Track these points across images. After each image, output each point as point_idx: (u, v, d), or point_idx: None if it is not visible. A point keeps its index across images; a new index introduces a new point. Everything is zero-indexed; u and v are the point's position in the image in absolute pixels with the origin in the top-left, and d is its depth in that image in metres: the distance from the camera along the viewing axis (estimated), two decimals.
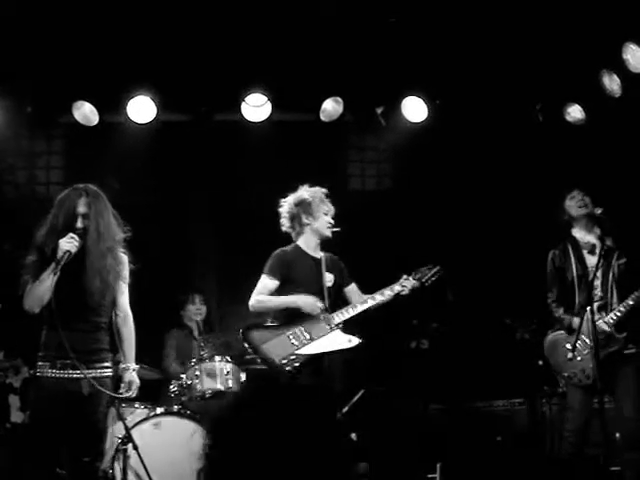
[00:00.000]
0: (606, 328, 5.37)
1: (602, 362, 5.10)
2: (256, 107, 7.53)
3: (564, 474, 5.56)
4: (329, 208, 5.75)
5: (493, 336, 7.62)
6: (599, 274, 5.45)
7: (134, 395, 4.85)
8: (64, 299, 4.52)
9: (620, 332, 5.39)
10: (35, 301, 4.50)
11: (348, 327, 5.49)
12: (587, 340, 5.36)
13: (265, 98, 7.49)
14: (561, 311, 5.60)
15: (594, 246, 5.57)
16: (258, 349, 5.37)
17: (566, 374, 5.51)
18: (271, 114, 7.61)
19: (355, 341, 5.42)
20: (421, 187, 8.36)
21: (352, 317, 5.51)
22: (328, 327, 5.43)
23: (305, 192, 5.76)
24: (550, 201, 7.76)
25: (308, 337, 5.37)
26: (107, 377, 4.68)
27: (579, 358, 5.37)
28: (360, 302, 5.57)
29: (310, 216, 5.69)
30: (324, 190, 5.79)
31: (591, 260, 5.54)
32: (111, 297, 4.73)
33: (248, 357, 6.29)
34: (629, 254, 5.54)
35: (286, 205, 5.77)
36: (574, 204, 5.70)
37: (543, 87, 7.60)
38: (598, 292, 5.49)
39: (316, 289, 5.55)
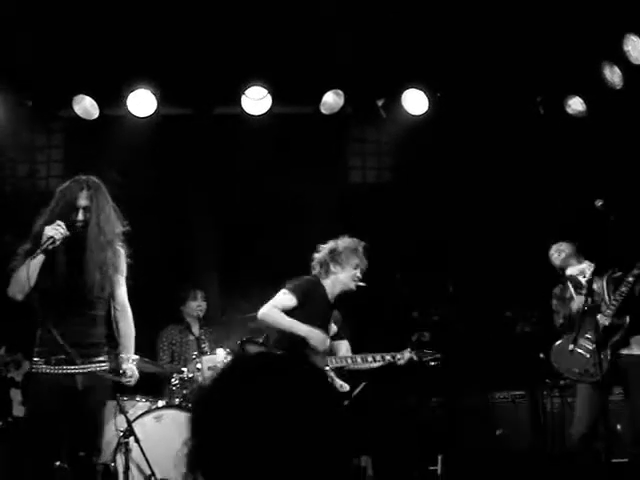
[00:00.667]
0: (606, 322, 5.41)
1: (612, 354, 5.21)
2: (256, 100, 7.51)
3: (565, 467, 5.58)
4: (360, 262, 5.78)
5: (494, 329, 7.63)
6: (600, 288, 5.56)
7: (132, 383, 4.84)
8: (62, 292, 4.52)
9: (620, 318, 5.44)
10: (17, 287, 4.49)
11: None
12: (588, 345, 5.48)
13: (265, 91, 7.46)
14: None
15: (584, 284, 5.62)
16: None
17: (577, 370, 5.58)
18: (271, 107, 7.59)
19: (345, 388, 5.60)
20: (422, 180, 8.35)
21: (346, 366, 5.69)
22: (325, 367, 5.53)
23: (340, 242, 5.80)
24: (551, 194, 7.79)
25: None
26: (104, 372, 4.68)
27: (588, 355, 5.44)
28: (360, 356, 5.70)
29: (338, 265, 5.74)
30: (362, 243, 5.82)
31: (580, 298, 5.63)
32: (109, 290, 4.73)
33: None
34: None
35: (322, 251, 5.83)
36: (553, 259, 6.00)
37: (544, 79, 7.58)
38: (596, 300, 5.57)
39: (323, 330, 5.63)
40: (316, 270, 5.80)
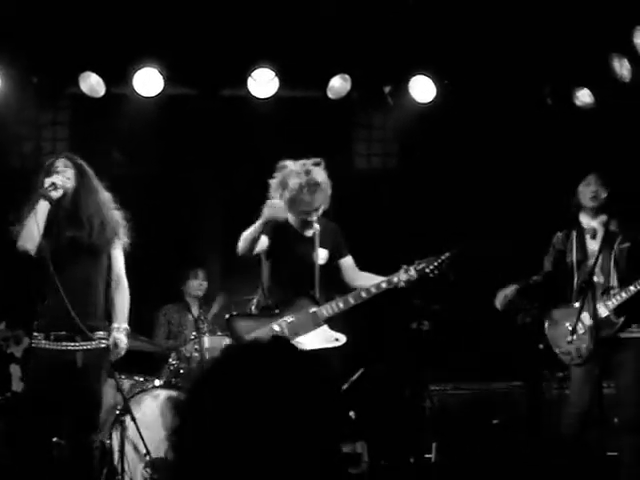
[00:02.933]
0: (605, 312, 5.36)
1: (598, 345, 5.12)
2: (263, 83, 7.49)
3: (560, 458, 5.57)
4: (310, 206, 5.18)
5: (494, 318, 7.61)
6: (600, 258, 5.42)
7: (122, 354, 4.81)
8: (57, 257, 4.51)
9: (618, 316, 5.37)
10: (27, 236, 4.47)
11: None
12: (586, 320, 5.34)
13: (272, 74, 7.44)
14: (534, 277, 5.71)
15: (595, 230, 5.54)
16: (241, 339, 5.02)
17: (559, 351, 5.54)
18: (278, 90, 7.57)
19: (342, 340, 5.11)
20: (427, 167, 8.33)
21: (341, 312, 5.15)
22: (315, 322, 5.08)
23: (290, 178, 5.28)
24: (557, 184, 7.75)
25: (293, 332, 5.04)
26: (104, 348, 4.68)
27: (575, 337, 5.34)
28: (352, 295, 5.15)
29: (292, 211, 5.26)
30: (309, 180, 5.22)
31: (593, 245, 5.52)
32: (105, 257, 4.72)
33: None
34: (635, 240, 5.51)
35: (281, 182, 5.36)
36: (587, 193, 5.55)
37: (552, 70, 7.55)
38: (599, 277, 5.46)
39: (305, 269, 5.14)
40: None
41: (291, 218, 5.28)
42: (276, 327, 5.07)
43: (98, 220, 4.63)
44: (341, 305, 5.13)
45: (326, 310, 5.11)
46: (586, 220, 5.64)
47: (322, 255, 5.24)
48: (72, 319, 4.47)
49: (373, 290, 5.16)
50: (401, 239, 8.11)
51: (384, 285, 5.19)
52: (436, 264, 5.33)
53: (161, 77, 7.36)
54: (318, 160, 5.34)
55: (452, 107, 7.87)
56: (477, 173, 8.14)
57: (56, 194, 4.48)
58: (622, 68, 7.00)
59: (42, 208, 4.45)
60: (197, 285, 7.44)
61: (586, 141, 7.54)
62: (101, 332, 4.69)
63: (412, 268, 5.25)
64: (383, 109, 8.33)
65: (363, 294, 5.14)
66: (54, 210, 4.53)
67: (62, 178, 4.51)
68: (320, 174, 5.25)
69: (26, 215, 4.51)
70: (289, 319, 5.10)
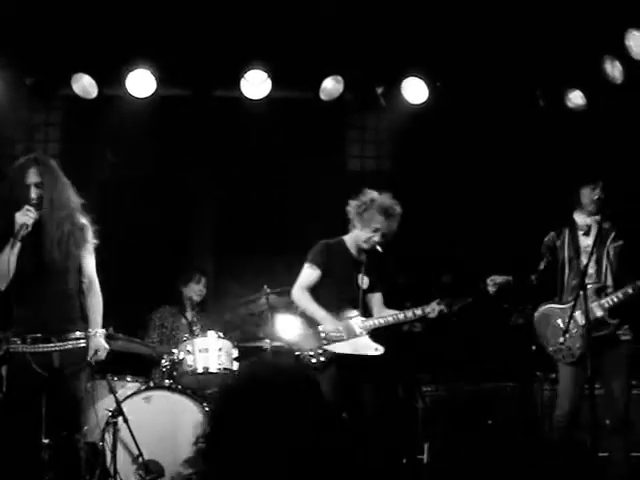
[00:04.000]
0: (599, 312, 5.34)
1: (591, 344, 5.11)
2: (256, 84, 7.49)
3: (551, 459, 5.58)
4: (383, 226, 5.71)
5: (487, 319, 7.63)
6: (593, 257, 5.41)
7: (102, 357, 4.81)
8: (27, 271, 4.53)
9: (613, 318, 5.36)
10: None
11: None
12: (579, 319, 5.33)
13: (265, 75, 7.44)
14: (533, 276, 5.71)
15: (589, 227, 5.53)
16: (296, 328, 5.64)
17: (551, 349, 5.53)
18: (271, 91, 7.57)
19: (380, 350, 5.61)
20: (420, 169, 8.34)
21: (380, 327, 5.68)
22: (360, 330, 5.60)
23: (377, 197, 5.76)
24: (549, 185, 7.78)
25: (340, 335, 5.55)
26: (82, 348, 4.68)
27: (567, 335, 5.32)
28: (392, 315, 5.69)
29: (360, 222, 5.73)
30: (397, 210, 5.79)
31: (585, 242, 5.52)
32: (76, 264, 4.72)
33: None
34: (628, 238, 5.51)
35: (358, 200, 5.79)
36: (591, 196, 5.55)
37: (544, 72, 7.57)
38: (592, 274, 5.46)
39: (351, 289, 5.69)
40: (350, 215, 5.82)
41: (349, 237, 5.85)
42: (322, 328, 5.56)
43: (66, 229, 4.63)
44: (383, 321, 5.69)
45: (371, 322, 5.67)
46: (580, 218, 5.64)
47: (365, 281, 5.77)
48: (47, 323, 4.51)
49: (409, 314, 5.71)
50: (395, 241, 8.12)
51: (418, 312, 5.71)
52: (460, 305, 5.81)
53: (154, 78, 7.36)
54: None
55: (445, 108, 7.89)
56: (470, 174, 8.15)
57: (27, 232, 4.50)
58: (614, 70, 7.03)
59: (16, 251, 4.48)
60: (198, 290, 7.42)
61: (578, 142, 7.56)
62: (78, 333, 4.68)
63: (443, 304, 5.73)
64: (376, 110, 8.34)
65: (401, 316, 5.70)
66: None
67: (32, 215, 4.51)
68: (399, 211, 5.86)
69: None
70: (338, 322, 5.62)
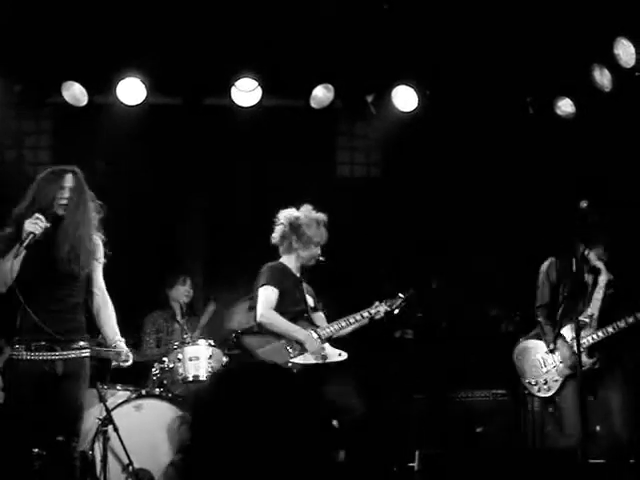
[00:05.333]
0: (587, 342, 5.42)
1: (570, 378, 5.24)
2: (246, 92, 7.49)
3: (544, 466, 5.58)
4: (321, 238, 5.85)
5: (478, 327, 7.65)
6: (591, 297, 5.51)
7: (130, 363, 4.89)
8: (36, 279, 4.54)
9: (590, 356, 5.43)
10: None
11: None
12: (556, 357, 5.50)
13: (255, 83, 7.45)
14: (545, 322, 5.69)
15: (595, 268, 5.55)
16: (254, 354, 5.63)
17: (527, 381, 5.66)
18: (261, 99, 7.58)
19: (344, 355, 5.76)
20: (410, 177, 8.37)
21: (335, 332, 5.84)
22: (319, 340, 5.72)
23: (303, 216, 5.84)
24: (539, 193, 7.81)
25: (301, 347, 5.65)
26: (85, 357, 4.70)
27: (545, 369, 5.46)
28: (343, 319, 5.86)
29: (300, 243, 5.84)
30: (323, 217, 5.87)
31: (587, 278, 5.58)
32: (85, 276, 4.76)
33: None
34: (618, 271, 5.57)
35: (281, 221, 5.89)
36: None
37: (534, 80, 7.59)
38: (586, 311, 5.51)
39: (301, 307, 5.84)
40: (276, 240, 5.93)
41: (287, 258, 5.96)
42: (286, 342, 5.66)
43: (82, 241, 4.66)
44: (334, 327, 5.84)
45: (324, 331, 5.80)
46: (592, 257, 5.64)
47: (309, 299, 5.99)
48: (53, 332, 4.51)
49: (357, 317, 5.91)
50: (384, 247, 8.14)
51: (364, 314, 5.93)
52: (400, 303, 6.03)
53: (144, 86, 7.35)
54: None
55: (434, 116, 7.91)
56: (460, 182, 8.18)
57: (34, 240, 4.51)
58: (603, 78, 7.05)
59: (20, 258, 4.49)
60: (184, 291, 7.44)
61: (568, 150, 7.60)
62: (81, 342, 4.70)
63: (383, 304, 5.96)
64: (366, 118, 8.36)
65: (351, 319, 5.88)
66: (40, 234, 4.56)
67: (41, 224, 4.52)
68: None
69: (4, 247, 4.54)
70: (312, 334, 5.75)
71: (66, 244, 4.60)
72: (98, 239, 4.84)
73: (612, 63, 6.86)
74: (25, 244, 4.46)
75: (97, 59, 7.17)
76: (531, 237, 7.16)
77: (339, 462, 6.39)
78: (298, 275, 5.94)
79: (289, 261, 5.92)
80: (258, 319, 5.69)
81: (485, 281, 7.91)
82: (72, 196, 4.66)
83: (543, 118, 7.83)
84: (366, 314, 5.90)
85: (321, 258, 5.90)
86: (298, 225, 5.82)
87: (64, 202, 4.63)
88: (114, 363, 4.92)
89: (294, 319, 5.76)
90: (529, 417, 6.97)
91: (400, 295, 6.04)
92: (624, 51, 6.73)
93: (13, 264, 4.47)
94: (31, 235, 4.47)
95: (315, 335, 5.72)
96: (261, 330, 5.77)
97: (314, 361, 5.63)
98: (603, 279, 5.52)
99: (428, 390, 7.28)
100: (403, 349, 7.57)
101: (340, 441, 6.41)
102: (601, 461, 5.62)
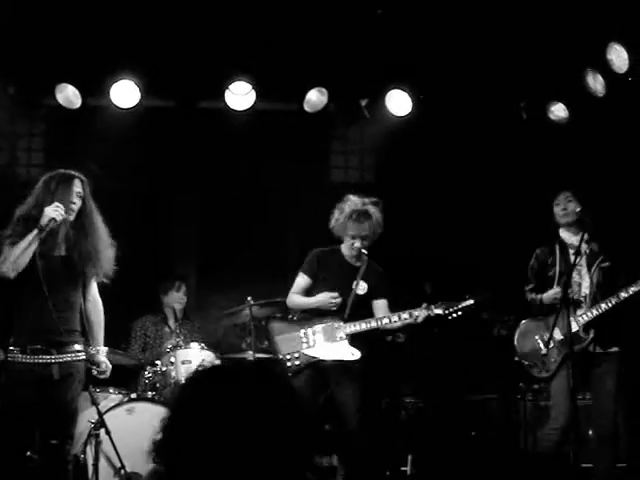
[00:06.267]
0: (575, 327, 5.39)
1: (568, 359, 5.20)
2: (240, 95, 7.50)
3: (535, 470, 5.59)
4: (354, 230, 5.75)
5: (470, 331, 7.65)
6: (581, 275, 5.48)
7: (107, 375, 4.89)
8: (35, 281, 4.53)
9: (586, 332, 5.42)
10: (11, 264, 4.50)
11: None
12: (556, 335, 5.40)
13: (249, 86, 7.45)
14: (533, 294, 5.67)
15: (579, 247, 5.54)
16: (272, 339, 5.74)
17: (527, 362, 5.60)
18: (255, 103, 7.58)
19: (357, 355, 5.60)
20: (404, 181, 8.36)
21: (362, 331, 5.64)
22: (338, 335, 5.62)
23: (339, 211, 5.83)
24: (532, 197, 7.82)
25: (316, 339, 5.64)
26: (80, 361, 4.70)
27: (544, 350, 5.42)
28: (375, 319, 5.67)
29: (340, 234, 5.84)
30: (363, 209, 5.80)
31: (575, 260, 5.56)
32: (81, 281, 4.76)
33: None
34: (612, 254, 5.55)
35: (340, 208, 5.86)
36: (558, 211, 5.67)
37: (527, 85, 7.61)
38: (576, 291, 5.50)
39: (345, 294, 5.68)
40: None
41: (344, 246, 5.85)
42: (303, 333, 5.67)
43: (85, 249, 4.68)
44: (363, 325, 5.64)
45: (349, 327, 5.64)
46: (567, 236, 5.68)
47: (362, 286, 5.77)
48: (49, 333, 4.50)
49: (394, 318, 5.65)
50: (378, 252, 8.13)
51: (404, 315, 5.63)
52: (456, 308, 5.66)
53: (138, 89, 7.35)
54: (377, 200, 5.94)
55: (428, 121, 7.92)
56: (454, 186, 8.18)
57: (54, 226, 4.53)
58: (596, 83, 7.07)
59: (36, 240, 4.48)
60: (178, 297, 7.42)
61: (561, 155, 7.61)
62: (77, 346, 4.70)
63: (433, 307, 5.64)
64: (360, 122, 8.36)
65: (384, 320, 5.65)
66: (54, 229, 4.58)
67: (61, 212, 4.53)
68: (373, 210, 5.84)
69: (13, 236, 4.54)
70: (318, 328, 5.67)
71: (67, 255, 4.61)
72: (111, 255, 4.86)
73: (605, 68, 6.88)
74: (47, 229, 4.47)
75: (91, 61, 7.16)
76: (524, 242, 7.16)
77: (332, 466, 6.40)
78: (352, 262, 5.85)
79: (344, 247, 5.88)
80: (287, 304, 5.88)
81: (478, 284, 7.92)
82: (85, 201, 4.73)
83: (536, 123, 7.85)
84: (405, 316, 5.62)
85: (364, 251, 5.77)
86: (335, 217, 5.82)
87: (76, 207, 4.66)
88: (93, 372, 4.91)
89: (328, 312, 5.70)
90: (522, 421, 6.99)
91: (467, 297, 5.72)
92: (617, 56, 6.75)
93: (26, 247, 4.46)
94: (52, 221, 4.49)
95: (336, 324, 5.64)
96: (293, 315, 5.92)
97: (322, 356, 5.59)
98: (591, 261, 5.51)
99: (420, 394, 7.28)
100: (395, 352, 7.57)
101: (332, 445, 6.42)
102: (591, 465, 5.62)
